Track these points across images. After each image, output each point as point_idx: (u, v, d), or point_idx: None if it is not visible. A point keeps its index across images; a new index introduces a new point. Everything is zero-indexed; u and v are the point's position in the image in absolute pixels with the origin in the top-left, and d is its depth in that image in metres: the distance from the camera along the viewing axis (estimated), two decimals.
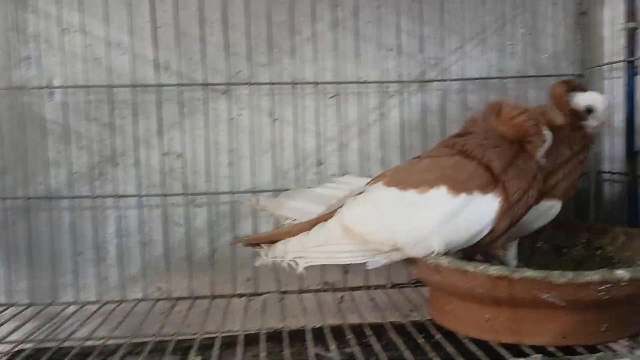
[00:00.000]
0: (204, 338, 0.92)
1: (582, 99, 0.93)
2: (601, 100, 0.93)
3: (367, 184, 0.93)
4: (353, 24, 1.16)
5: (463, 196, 0.82)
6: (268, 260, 0.90)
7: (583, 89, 0.96)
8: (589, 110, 0.92)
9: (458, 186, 0.83)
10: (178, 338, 0.92)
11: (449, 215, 0.82)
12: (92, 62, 1.12)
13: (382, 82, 1.18)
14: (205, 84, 1.11)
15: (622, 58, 1.09)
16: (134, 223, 1.13)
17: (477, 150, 0.86)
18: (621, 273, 0.71)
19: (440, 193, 0.83)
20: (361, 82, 1.17)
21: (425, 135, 1.18)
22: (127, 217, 1.14)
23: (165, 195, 1.12)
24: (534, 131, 0.87)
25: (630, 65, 1.07)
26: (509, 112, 0.88)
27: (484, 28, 1.20)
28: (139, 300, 1.11)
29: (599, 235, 0.99)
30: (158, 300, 1.11)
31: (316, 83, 1.15)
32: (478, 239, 0.83)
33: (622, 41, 1.09)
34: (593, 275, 0.71)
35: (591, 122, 0.92)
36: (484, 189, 0.82)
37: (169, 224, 1.13)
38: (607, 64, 1.11)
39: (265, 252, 0.91)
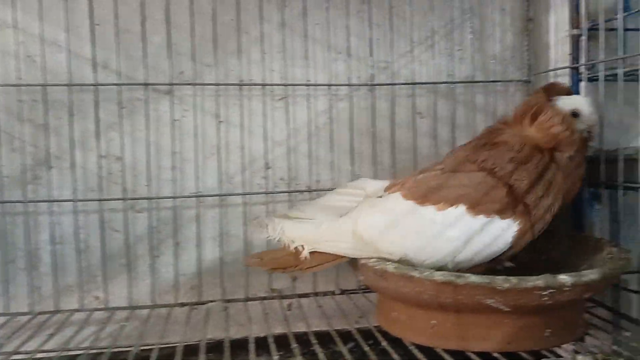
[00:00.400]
0: (141, 350, 0.88)
1: (566, 103, 0.91)
2: (586, 103, 0.92)
3: (385, 189, 0.92)
4: (302, 25, 1.14)
5: (481, 218, 0.80)
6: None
7: (568, 92, 0.96)
8: (575, 115, 0.91)
9: (478, 207, 0.80)
10: (113, 350, 0.87)
11: (466, 237, 0.80)
12: (26, 60, 1.06)
13: (331, 85, 1.16)
14: (146, 84, 1.07)
15: (567, 64, 1.10)
16: (69, 229, 1.07)
17: (506, 167, 0.83)
18: (564, 278, 0.71)
19: (459, 212, 0.81)
20: (310, 85, 1.15)
21: (375, 140, 1.17)
22: (61, 223, 1.08)
23: (102, 200, 1.07)
24: (569, 141, 0.85)
25: (575, 71, 1.08)
26: (548, 119, 0.85)
27: (433, 33, 1.19)
28: (75, 311, 1.05)
29: (544, 240, 0.99)
30: (95, 310, 1.06)
31: (264, 85, 1.12)
32: (493, 257, 0.82)
33: (566, 48, 1.10)
34: (536, 281, 0.71)
35: (579, 126, 0.90)
36: (503, 213, 0.80)
37: (106, 230, 1.08)
38: (553, 70, 1.12)
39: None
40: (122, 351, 0.91)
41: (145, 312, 1.06)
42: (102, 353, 0.85)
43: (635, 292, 0.97)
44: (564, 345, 0.81)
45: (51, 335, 0.94)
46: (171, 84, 1.08)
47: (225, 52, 1.12)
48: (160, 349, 0.86)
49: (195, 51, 1.09)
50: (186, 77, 1.11)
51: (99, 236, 1.06)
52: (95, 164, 1.06)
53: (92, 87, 1.05)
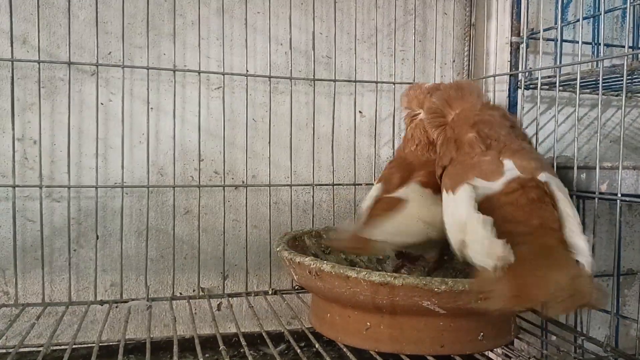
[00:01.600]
0: (53, 350, 0.81)
1: None
2: None
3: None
4: (242, 12, 1.09)
5: None
6: None
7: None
8: None
9: None
10: (20, 350, 0.79)
11: None
12: None
13: (271, 77, 1.12)
14: (70, 63, 0.98)
15: (506, 71, 1.11)
16: None
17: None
18: None
19: None
20: (249, 75, 1.10)
21: (314, 135, 1.14)
22: None
23: (16, 187, 0.97)
24: None
25: (513, 78, 1.09)
26: None
27: (376, 31, 1.18)
28: None
29: None
30: (3, 306, 0.97)
31: (200, 72, 1.07)
32: None
33: (506, 55, 1.11)
34: (472, 283, 0.69)
35: None
36: None
37: (20, 220, 0.99)
38: (492, 76, 1.13)
39: None
40: (30, 351, 0.83)
41: (60, 309, 0.97)
42: (7, 353, 0.77)
43: None
44: (496, 349, 0.81)
45: None
46: (97, 65, 1.00)
47: (158, 35, 1.06)
48: (74, 349, 0.79)
49: (125, 31, 1.02)
50: (114, 59, 1.03)
51: (11, 226, 0.97)
52: (9, 147, 0.96)
53: (8, 62, 0.96)
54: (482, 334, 0.76)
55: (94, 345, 0.80)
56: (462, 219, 0.70)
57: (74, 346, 0.79)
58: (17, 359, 0.77)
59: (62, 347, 0.83)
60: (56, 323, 0.91)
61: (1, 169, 0.99)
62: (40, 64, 0.98)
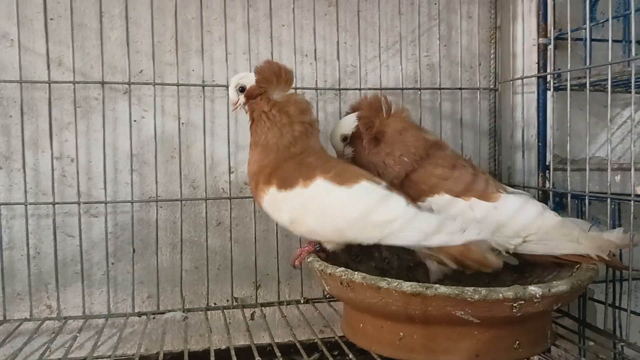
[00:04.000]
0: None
1: None
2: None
3: None
4: (267, 26, 1.11)
5: None
6: None
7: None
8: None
9: None
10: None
11: None
12: None
13: (297, 89, 1.13)
14: (103, 82, 1.01)
15: (534, 73, 1.10)
16: (20, 234, 1.01)
17: None
18: (534, 290, 0.70)
19: None
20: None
21: None
22: (12, 227, 1.02)
23: (56, 204, 1.01)
24: None
25: (542, 80, 1.08)
26: None
27: (401, 38, 1.18)
28: (24, 320, 0.99)
29: None
30: (46, 319, 1.00)
31: (228, 86, 1.08)
32: None
33: (534, 56, 1.10)
34: (506, 292, 0.69)
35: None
36: None
37: (60, 235, 1.02)
38: (519, 78, 1.12)
39: None
40: None
41: (100, 321, 1.00)
42: None
43: (601, 302, 0.97)
44: (532, 357, 0.80)
45: None
46: (130, 83, 1.03)
47: (187, 51, 1.08)
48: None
49: (155, 49, 1.04)
50: (145, 76, 1.06)
51: (52, 241, 1.00)
52: (48, 166, 1.00)
53: (45, 84, 0.99)
54: (517, 342, 0.75)
55: (134, 357, 0.82)
56: None
57: (115, 359, 0.82)
58: None
59: (104, 359, 0.85)
60: (97, 335, 0.94)
61: (41, 187, 1.02)
62: (76, 84, 1.01)
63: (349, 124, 0.97)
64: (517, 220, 0.85)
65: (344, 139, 0.97)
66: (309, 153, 0.89)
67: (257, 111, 0.90)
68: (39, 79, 1.01)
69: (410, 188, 0.90)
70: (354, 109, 0.99)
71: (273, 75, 0.88)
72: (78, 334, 0.94)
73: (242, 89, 0.91)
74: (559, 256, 0.84)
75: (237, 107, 0.93)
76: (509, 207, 0.87)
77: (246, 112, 0.92)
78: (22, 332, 0.96)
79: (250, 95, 0.90)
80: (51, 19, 1.01)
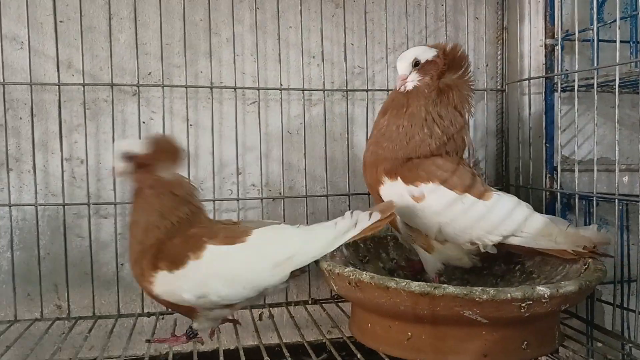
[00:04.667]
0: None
1: None
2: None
3: None
4: (274, 28, 1.11)
5: None
6: None
7: None
8: None
9: None
10: None
11: None
12: None
13: (305, 90, 1.13)
14: (112, 84, 1.02)
15: (541, 74, 1.10)
16: (30, 235, 1.02)
17: None
18: (542, 290, 0.70)
19: None
20: (283, 89, 1.12)
21: (349, 146, 1.15)
22: (22, 228, 1.03)
23: (66, 205, 1.02)
24: None
25: (549, 81, 1.08)
26: None
27: (408, 39, 1.18)
28: (34, 320, 1.00)
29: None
30: (56, 320, 1.01)
31: (236, 88, 1.09)
32: None
33: (541, 57, 1.10)
34: (514, 292, 0.70)
35: None
36: None
37: (70, 236, 1.03)
38: (526, 79, 1.13)
39: None
40: None
41: (109, 322, 1.01)
42: None
43: (609, 303, 0.97)
44: (540, 358, 0.80)
45: (8, 348, 0.88)
46: (138, 85, 1.04)
47: (195, 53, 1.09)
48: None
49: (163, 51, 1.05)
50: (154, 78, 1.07)
51: (62, 242, 1.01)
52: (58, 167, 1.01)
53: (55, 86, 1.00)
54: (525, 342, 0.75)
55: (143, 357, 0.83)
56: None
57: (125, 358, 0.82)
58: None
59: (114, 359, 0.85)
60: (106, 335, 0.94)
61: (52, 188, 1.03)
62: (85, 86, 1.02)
63: (428, 51, 0.91)
64: (502, 220, 0.86)
65: (415, 63, 0.90)
66: (192, 226, 0.82)
67: (142, 184, 0.81)
68: (48, 81, 1.02)
69: (410, 170, 0.88)
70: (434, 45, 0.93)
71: (165, 151, 0.82)
72: (88, 334, 0.95)
73: (128, 157, 0.81)
74: (539, 250, 0.85)
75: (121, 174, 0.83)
76: (497, 207, 0.86)
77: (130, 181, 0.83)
78: (32, 332, 0.97)
79: (138, 164, 0.81)
80: (60, 21, 1.02)
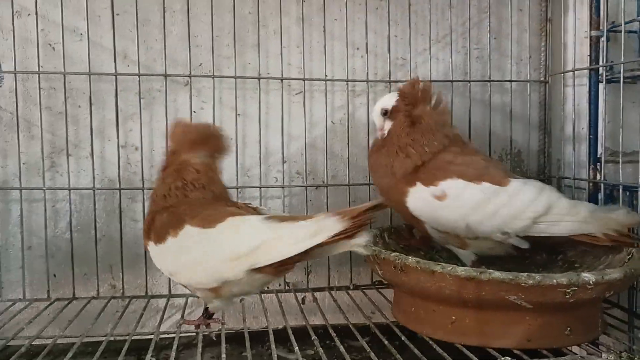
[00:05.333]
0: (161, 338, 0.88)
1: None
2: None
3: None
4: (321, 20, 1.14)
5: None
6: None
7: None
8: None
9: None
10: (133, 338, 0.88)
11: None
12: (46, 47, 1.07)
13: (349, 81, 1.16)
14: (166, 75, 1.07)
15: (585, 65, 1.10)
16: (88, 217, 1.08)
17: None
18: (587, 276, 0.72)
19: None
20: (328, 80, 1.15)
21: None
22: (80, 211, 1.09)
23: (121, 189, 1.07)
24: None
25: (594, 72, 1.08)
26: None
27: (451, 31, 1.20)
28: (91, 298, 1.05)
29: (560, 240, 1.00)
30: (112, 298, 1.06)
31: (282, 79, 1.12)
32: None
33: (585, 49, 1.10)
34: (560, 278, 0.71)
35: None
36: None
37: (124, 219, 1.08)
38: (571, 70, 1.13)
39: None
40: (142, 339, 0.91)
41: (161, 301, 1.06)
42: (123, 341, 0.85)
43: None
44: (583, 344, 0.81)
45: (70, 322, 0.94)
46: (190, 76, 1.08)
47: (244, 45, 1.13)
48: (180, 337, 0.86)
49: (214, 43, 1.09)
50: (205, 69, 1.11)
51: (117, 225, 1.07)
52: (114, 154, 1.06)
53: (112, 76, 1.05)
54: (569, 328, 0.77)
55: (195, 333, 0.87)
56: None
57: (180, 334, 0.87)
58: (130, 347, 0.85)
59: (170, 335, 0.90)
60: (159, 313, 0.99)
61: (108, 173, 1.09)
62: (140, 77, 1.07)
63: (390, 98, 1.01)
64: (526, 203, 0.88)
65: (384, 112, 1.00)
66: (183, 203, 0.84)
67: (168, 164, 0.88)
68: (106, 71, 1.07)
69: (425, 173, 0.93)
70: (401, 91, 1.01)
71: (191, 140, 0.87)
72: (143, 312, 1.00)
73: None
74: (570, 236, 0.87)
75: None
76: (519, 191, 0.89)
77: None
78: (89, 309, 1.02)
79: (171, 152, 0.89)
80: (117, 14, 1.07)
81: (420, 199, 0.92)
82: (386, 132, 1.00)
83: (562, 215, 0.86)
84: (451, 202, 0.90)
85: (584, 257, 0.94)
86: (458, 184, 0.90)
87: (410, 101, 0.97)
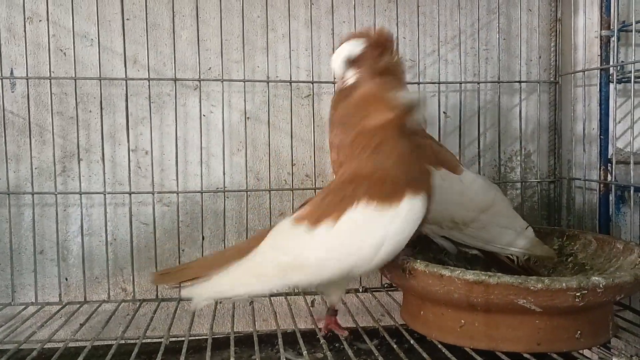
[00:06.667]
0: (171, 342, 0.89)
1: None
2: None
3: None
4: (329, 23, 1.14)
5: None
6: None
7: None
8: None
9: None
10: (143, 341, 0.88)
11: None
12: (57, 53, 1.08)
13: None
14: (176, 79, 1.08)
15: (595, 65, 1.09)
16: (99, 221, 1.09)
17: None
18: (597, 279, 0.71)
19: None
20: (336, 82, 1.15)
21: None
22: (91, 215, 1.10)
23: (132, 193, 1.08)
24: None
25: (604, 72, 1.07)
26: None
27: (460, 32, 1.19)
28: (102, 302, 1.06)
29: (571, 242, 1.00)
30: (122, 302, 1.07)
31: (290, 82, 1.13)
32: None
33: (596, 49, 1.10)
34: (569, 282, 0.71)
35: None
36: None
37: (135, 223, 1.09)
38: (581, 71, 1.12)
39: None
40: (152, 342, 0.92)
41: (172, 304, 1.07)
42: (133, 344, 0.86)
43: None
44: (594, 348, 0.81)
45: (81, 325, 0.95)
46: (200, 80, 1.09)
47: (252, 49, 1.13)
48: (190, 340, 0.87)
49: (223, 47, 1.10)
50: (214, 73, 1.12)
51: (128, 229, 1.08)
52: (124, 158, 1.07)
53: (122, 81, 1.06)
54: (579, 332, 0.76)
55: (207, 337, 0.88)
56: None
57: (190, 338, 0.87)
58: (140, 350, 0.85)
59: (179, 338, 0.91)
60: (170, 317, 1.00)
61: (118, 177, 1.09)
62: (150, 81, 1.07)
63: (355, 45, 0.91)
64: (479, 194, 0.89)
65: (349, 61, 0.92)
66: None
67: None
68: (116, 76, 1.08)
69: None
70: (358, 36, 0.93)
71: None
72: (153, 315, 1.00)
73: None
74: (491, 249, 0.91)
75: None
76: (473, 181, 0.90)
77: None
78: (100, 313, 1.03)
79: None
80: (127, 19, 1.08)
81: None
82: (350, 81, 0.91)
83: (500, 217, 0.88)
84: None
85: (594, 259, 0.93)
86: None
87: (380, 50, 0.91)
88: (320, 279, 0.76)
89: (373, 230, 0.73)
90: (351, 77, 0.91)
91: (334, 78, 1.13)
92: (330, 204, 0.75)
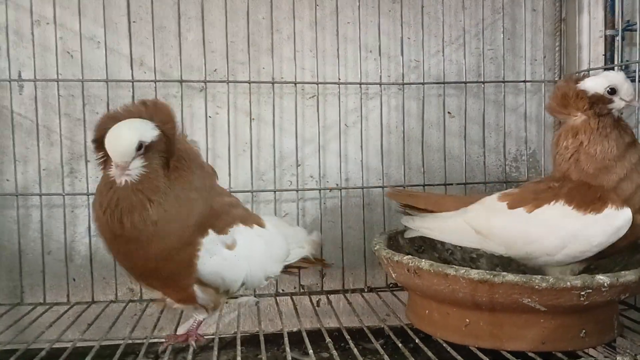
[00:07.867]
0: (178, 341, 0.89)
1: (597, 82, 0.83)
2: (619, 77, 0.84)
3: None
4: (333, 24, 1.15)
5: None
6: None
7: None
8: (612, 91, 0.82)
9: None
10: (150, 341, 0.89)
11: None
12: (65, 55, 1.09)
13: (362, 84, 1.16)
14: (181, 81, 1.08)
15: (600, 65, 1.09)
16: None
17: None
18: (602, 278, 0.71)
19: None
20: (341, 83, 1.16)
21: (404, 138, 1.17)
22: None
23: None
24: None
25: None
26: None
27: (464, 32, 1.19)
28: (110, 302, 1.07)
29: None
30: (129, 302, 1.08)
31: (296, 83, 1.13)
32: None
33: (600, 48, 1.10)
34: (574, 281, 0.71)
35: (619, 103, 0.82)
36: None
37: None
38: (585, 70, 1.12)
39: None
40: (159, 341, 0.92)
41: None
42: (141, 344, 0.87)
43: None
44: (599, 347, 0.81)
45: (89, 325, 0.96)
46: (205, 81, 1.10)
47: (258, 50, 1.14)
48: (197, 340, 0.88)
49: (228, 49, 1.10)
50: (220, 75, 1.12)
51: None
52: None
53: (129, 83, 1.07)
54: (584, 330, 0.76)
55: (214, 336, 0.88)
56: None
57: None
58: (147, 350, 0.86)
59: None
60: (176, 317, 1.01)
61: None
62: (156, 83, 1.08)
63: (147, 129, 0.74)
64: (282, 244, 0.96)
65: (139, 147, 0.72)
66: None
67: None
68: (123, 78, 1.08)
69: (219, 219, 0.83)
70: (128, 115, 0.77)
71: None
72: (160, 315, 1.01)
73: None
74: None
75: None
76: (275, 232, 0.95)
77: None
78: (107, 313, 1.04)
79: None
80: (134, 21, 1.09)
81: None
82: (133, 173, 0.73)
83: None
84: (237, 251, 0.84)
85: (600, 260, 0.93)
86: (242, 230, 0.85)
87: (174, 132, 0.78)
88: (501, 251, 0.86)
89: (563, 228, 0.80)
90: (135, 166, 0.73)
91: (339, 79, 1.15)
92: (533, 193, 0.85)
